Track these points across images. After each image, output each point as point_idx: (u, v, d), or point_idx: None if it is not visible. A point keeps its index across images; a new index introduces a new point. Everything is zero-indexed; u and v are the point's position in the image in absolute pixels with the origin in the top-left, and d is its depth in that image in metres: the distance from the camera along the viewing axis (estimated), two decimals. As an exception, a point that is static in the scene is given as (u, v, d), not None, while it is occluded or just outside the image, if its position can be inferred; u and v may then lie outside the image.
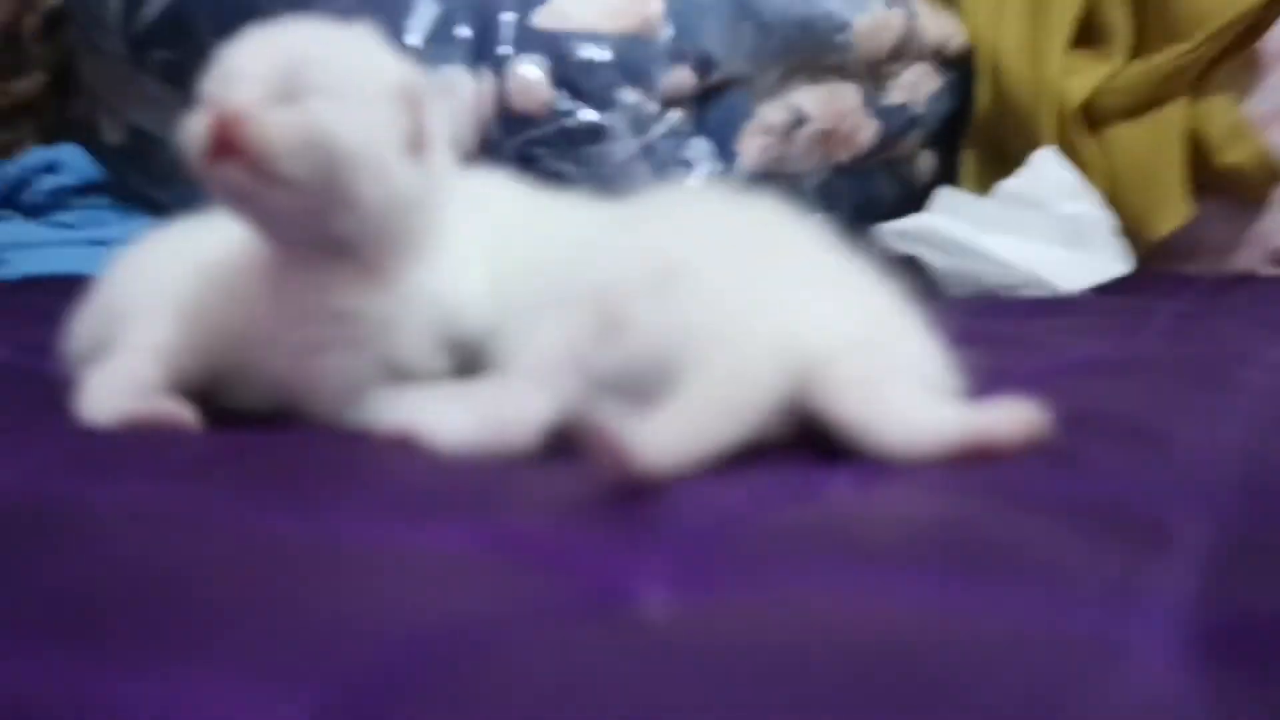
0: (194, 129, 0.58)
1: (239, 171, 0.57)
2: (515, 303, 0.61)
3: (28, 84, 1.44)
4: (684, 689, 0.29)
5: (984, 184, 1.46)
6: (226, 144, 0.56)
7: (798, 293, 0.55)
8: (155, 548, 0.41)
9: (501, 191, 0.72)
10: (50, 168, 1.35)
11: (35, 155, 1.37)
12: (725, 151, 1.22)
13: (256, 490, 0.51)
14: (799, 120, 1.31)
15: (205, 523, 0.45)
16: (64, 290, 1.20)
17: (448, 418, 0.57)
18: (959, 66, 1.54)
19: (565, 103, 1.11)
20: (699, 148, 1.20)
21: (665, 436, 0.46)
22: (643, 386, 0.53)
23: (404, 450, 0.57)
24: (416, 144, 0.60)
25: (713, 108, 1.22)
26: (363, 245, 0.61)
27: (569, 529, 0.42)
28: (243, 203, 0.59)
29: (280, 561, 0.39)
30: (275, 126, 0.56)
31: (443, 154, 0.63)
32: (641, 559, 0.39)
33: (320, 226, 0.59)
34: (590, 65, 1.11)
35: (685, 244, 0.56)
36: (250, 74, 0.57)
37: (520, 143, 1.12)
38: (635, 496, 0.45)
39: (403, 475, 0.54)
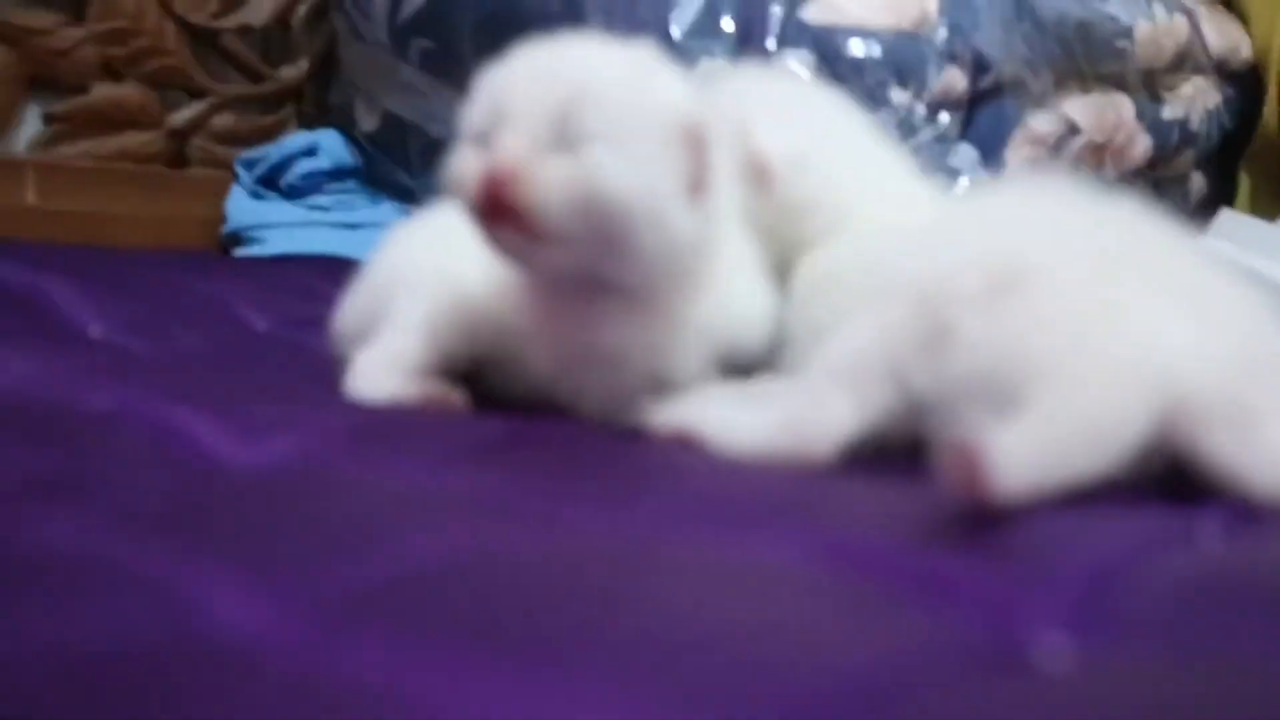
0: (466, 177, 0.54)
1: (512, 233, 0.53)
2: (827, 291, 0.58)
3: (293, 71, 1.49)
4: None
5: (1262, 210, 1.34)
6: (500, 207, 0.52)
7: (1160, 312, 0.48)
8: (481, 538, 0.39)
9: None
10: (309, 151, 1.39)
11: (296, 139, 1.41)
12: (991, 160, 1.15)
13: (552, 482, 0.49)
14: (1070, 131, 1.23)
15: (524, 515, 0.43)
16: (317, 269, 1.24)
17: (741, 421, 0.54)
18: (1242, 81, 1.43)
19: (830, 103, 1.07)
20: (965, 155, 1.14)
21: (1024, 460, 0.41)
22: (964, 405, 0.49)
23: (686, 451, 0.54)
24: (698, 186, 0.55)
25: (981, 113, 1.15)
26: (638, 288, 0.57)
27: (936, 556, 0.38)
28: (515, 259, 0.56)
29: (630, 566, 0.36)
30: (551, 186, 0.52)
31: (725, 191, 0.58)
32: (1029, 600, 0.34)
33: (593, 274, 0.56)
34: (860, 62, 1.06)
35: (1029, 248, 0.51)
36: (523, 115, 0.53)
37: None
38: (988, 521, 0.41)
39: (700, 478, 0.51)
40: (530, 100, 0.54)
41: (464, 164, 0.55)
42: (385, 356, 0.68)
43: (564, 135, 0.53)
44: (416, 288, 0.70)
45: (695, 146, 0.55)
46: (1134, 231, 0.52)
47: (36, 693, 0.25)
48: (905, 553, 0.38)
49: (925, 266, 0.52)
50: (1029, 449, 0.42)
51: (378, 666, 0.28)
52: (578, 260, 0.55)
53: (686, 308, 0.59)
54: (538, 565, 0.35)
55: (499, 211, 0.53)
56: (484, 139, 0.55)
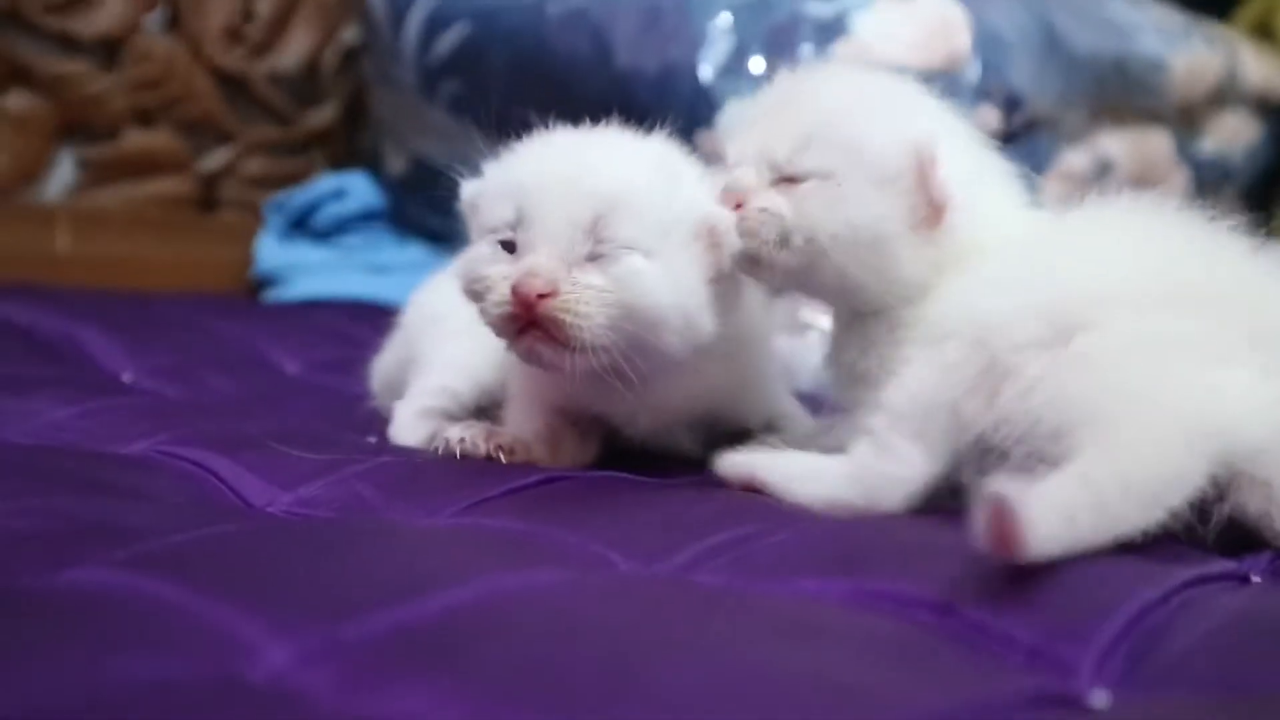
0: (493, 284, 0.54)
1: (541, 344, 0.54)
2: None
3: (322, 115, 1.50)
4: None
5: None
6: (535, 320, 0.53)
7: (1230, 357, 0.46)
8: (517, 582, 0.37)
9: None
10: (338, 194, 1.40)
11: (325, 182, 1.42)
12: (1026, 197, 1.13)
13: (592, 529, 0.48)
14: (1105, 166, 1.21)
15: (562, 560, 0.42)
16: (346, 312, 1.23)
17: (809, 472, 0.52)
18: (1282, 115, 1.41)
19: (862, 140, 1.06)
20: (999, 192, 1.12)
21: (1059, 517, 0.39)
22: (1017, 449, 0.47)
23: (753, 498, 0.53)
24: (719, 277, 0.57)
25: (1015, 150, 1.14)
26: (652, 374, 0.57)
27: (985, 605, 0.36)
28: (544, 366, 0.56)
29: (668, 614, 0.34)
30: (587, 300, 0.53)
31: (742, 278, 0.58)
32: (1080, 647, 0.33)
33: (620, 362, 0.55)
34: (893, 101, 1.05)
35: (1096, 286, 0.48)
36: (553, 225, 0.54)
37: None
38: (1035, 568, 0.39)
39: (742, 524, 0.49)
40: (559, 209, 0.55)
41: (488, 268, 0.55)
42: (419, 404, 0.69)
43: (594, 245, 0.54)
44: (444, 335, 0.71)
45: (717, 241, 0.56)
46: (1217, 264, 0.50)
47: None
48: (953, 602, 0.36)
49: (987, 307, 0.50)
50: (1066, 506, 0.40)
51: (417, 707, 0.27)
52: (604, 363, 0.55)
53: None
54: (575, 610, 0.34)
55: (534, 324, 0.54)
56: (507, 241, 0.56)
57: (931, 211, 0.53)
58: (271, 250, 1.37)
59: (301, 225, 1.39)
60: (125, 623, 0.32)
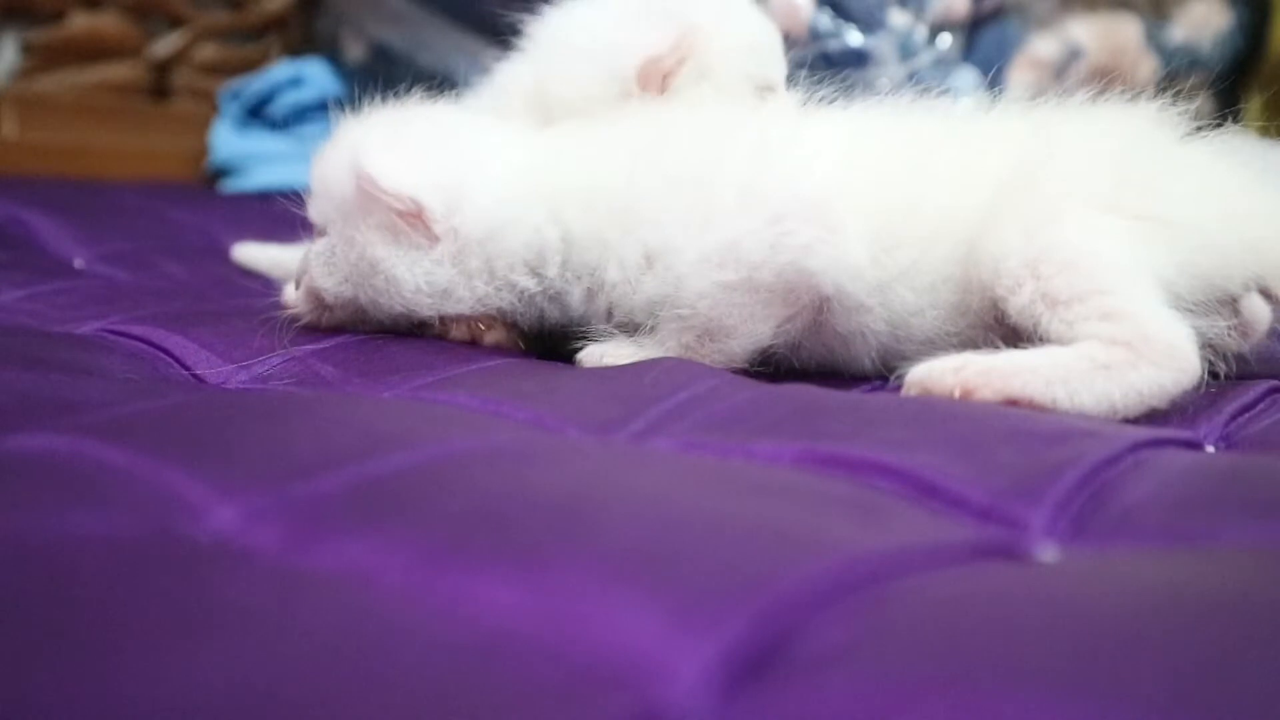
0: None
1: None
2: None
3: (277, 1, 1.45)
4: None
5: (1269, 135, 1.32)
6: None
7: None
8: (466, 444, 0.37)
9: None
10: (295, 82, 1.36)
11: (281, 69, 1.38)
12: (992, 83, 1.12)
13: (546, 404, 0.48)
14: (1073, 53, 1.20)
15: (515, 427, 0.42)
16: (304, 202, 1.21)
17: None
18: (1253, 2, 1.39)
19: (829, 24, 1.04)
20: (965, 78, 1.11)
21: None
22: None
23: (691, 364, 0.53)
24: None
25: (983, 36, 1.12)
26: None
27: (937, 466, 0.36)
28: None
29: (619, 471, 0.34)
30: None
31: None
32: (1030, 503, 0.34)
33: None
34: (860, -18, 1.03)
35: None
36: None
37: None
38: (987, 431, 0.40)
39: (692, 399, 0.49)
40: None
41: None
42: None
43: None
44: None
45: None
46: None
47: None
48: (906, 466, 0.36)
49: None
50: None
51: (362, 557, 0.27)
52: None
53: None
54: (529, 470, 0.33)
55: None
56: None
57: (408, 218, 0.57)
58: (228, 140, 1.34)
59: (257, 114, 1.35)
60: (68, 483, 0.31)
